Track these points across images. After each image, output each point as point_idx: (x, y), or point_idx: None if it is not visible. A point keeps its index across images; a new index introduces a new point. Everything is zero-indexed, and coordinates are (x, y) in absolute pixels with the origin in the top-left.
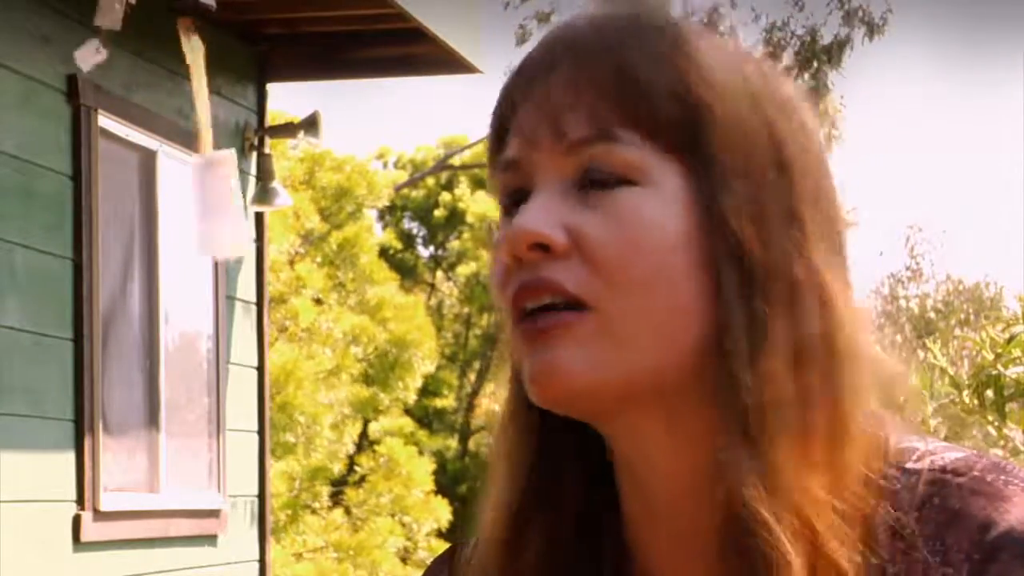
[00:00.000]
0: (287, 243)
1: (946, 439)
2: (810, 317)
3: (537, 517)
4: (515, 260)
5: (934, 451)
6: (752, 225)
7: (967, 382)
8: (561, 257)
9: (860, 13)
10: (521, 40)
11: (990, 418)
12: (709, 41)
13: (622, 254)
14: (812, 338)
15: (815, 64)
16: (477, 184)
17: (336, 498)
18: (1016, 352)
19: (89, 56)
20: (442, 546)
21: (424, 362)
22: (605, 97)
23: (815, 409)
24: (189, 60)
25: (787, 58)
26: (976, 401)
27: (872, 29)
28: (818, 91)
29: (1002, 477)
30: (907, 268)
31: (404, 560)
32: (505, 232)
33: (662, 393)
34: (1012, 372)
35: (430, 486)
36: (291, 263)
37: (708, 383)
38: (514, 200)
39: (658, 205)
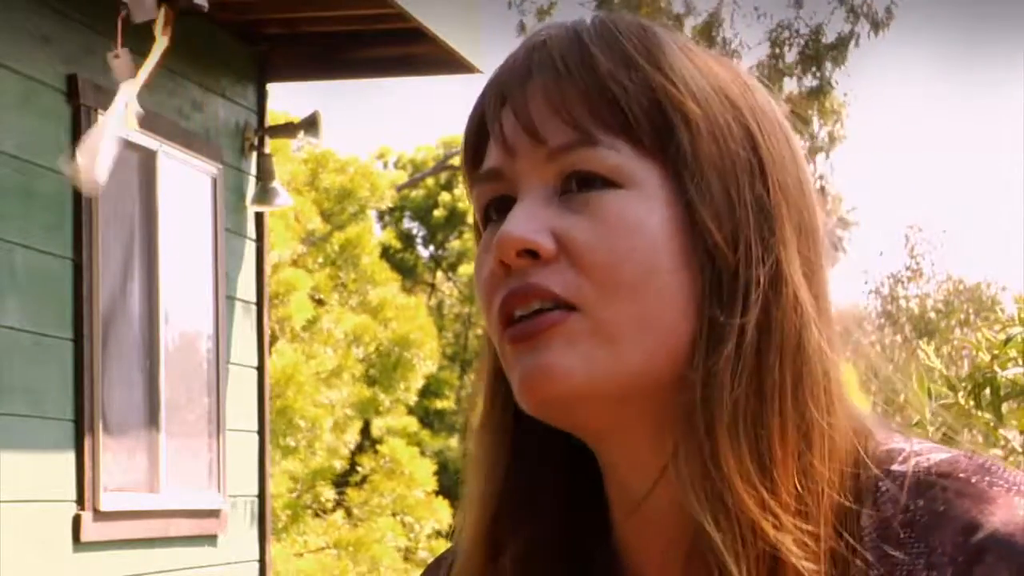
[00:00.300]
0: (289, 247)
1: (941, 441)
2: (774, 319)
3: (516, 522)
4: (503, 267)
5: (919, 452)
6: (724, 224)
7: (962, 384)
8: (549, 262)
9: (864, 8)
10: (521, 33)
11: (986, 419)
12: (681, 45)
13: (610, 256)
14: (775, 340)
15: (818, 62)
16: None
17: (338, 498)
18: (1012, 353)
19: (124, 70)
20: (443, 546)
21: (426, 363)
22: (582, 103)
23: (778, 414)
24: (156, 40)
25: (791, 57)
26: (972, 402)
27: (877, 25)
28: (821, 89)
29: (987, 478)
30: (907, 268)
31: (405, 560)
32: (491, 239)
33: (651, 395)
34: (1008, 373)
35: (432, 486)
36: (294, 263)
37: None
38: (497, 209)
39: (642, 206)
